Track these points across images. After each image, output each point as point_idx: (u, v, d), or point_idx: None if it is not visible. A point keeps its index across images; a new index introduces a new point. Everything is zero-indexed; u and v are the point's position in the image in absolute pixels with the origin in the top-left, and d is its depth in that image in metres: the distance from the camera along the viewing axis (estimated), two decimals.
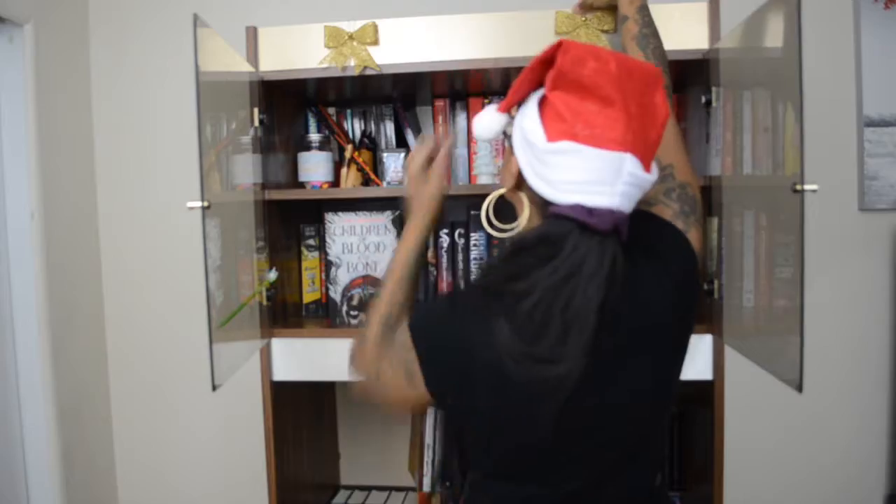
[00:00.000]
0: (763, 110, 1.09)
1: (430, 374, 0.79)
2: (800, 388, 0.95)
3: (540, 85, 0.76)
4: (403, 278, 0.92)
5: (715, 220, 1.33)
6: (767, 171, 1.08)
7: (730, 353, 1.36)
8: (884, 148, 1.70)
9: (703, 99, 1.34)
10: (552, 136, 0.71)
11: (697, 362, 1.38)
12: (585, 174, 0.69)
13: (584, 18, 1.38)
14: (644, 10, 1.11)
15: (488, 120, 0.83)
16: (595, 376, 0.73)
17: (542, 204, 0.75)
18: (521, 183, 0.78)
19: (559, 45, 0.71)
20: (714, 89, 1.31)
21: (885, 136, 1.70)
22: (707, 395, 1.40)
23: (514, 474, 0.82)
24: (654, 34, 1.09)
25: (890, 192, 1.71)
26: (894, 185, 1.70)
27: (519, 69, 1.43)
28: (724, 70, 1.26)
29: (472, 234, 1.60)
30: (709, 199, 1.37)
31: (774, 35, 1.01)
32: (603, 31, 1.38)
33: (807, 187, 0.92)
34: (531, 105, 0.76)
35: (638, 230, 0.77)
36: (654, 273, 0.80)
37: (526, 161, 0.75)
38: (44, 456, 1.74)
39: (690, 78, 1.48)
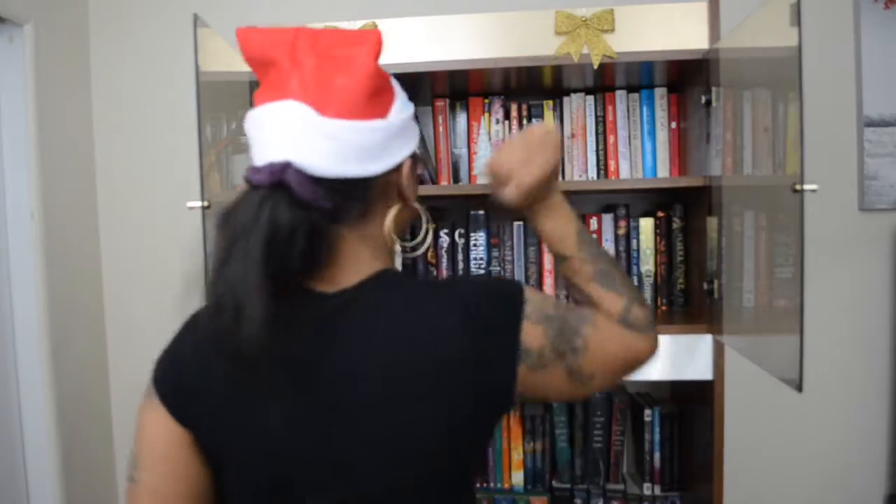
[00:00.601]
0: (763, 110, 1.09)
1: None
2: (800, 388, 0.95)
3: None
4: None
5: (715, 220, 1.33)
6: (767, 171, 1.08)
7: (730, 353, 1.36)
8: (884, 148, 1.70)
9: (703, 99, 1.34)
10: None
11: (697, 362, 1.38)
12: (255, 136, 0.67)
13: (583, 19, 1.38)
14: (586, 246, 0.78)
15: None
16: (319, 402, 0.64)
17: None
18: None
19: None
20: (714, 89, 1.31)
21: (885, 136, 1.70)
22: (707, 395, 1.40)
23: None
24: (610, 262, 0.78)
25: (890, 192, 1.71)
26: (894, 185, 1.71)
27: (519, 69, 1.45)
28: (724, 70, 1.26)
29: (472, 234, 1.60)
30: (709, 199, 1.37)
31: (774, 35, 1.01)
32: (602, 31, 1.38)
33: (807, 187, 0.92)
34: None
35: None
36: (433, 301, 0.67)
37: None
38: (44, 456, 1.74)
39: (690, 78, 1.48)
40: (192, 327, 0.74)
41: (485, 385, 0.66)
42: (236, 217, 0.61)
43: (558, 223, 0.78)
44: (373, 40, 0.67)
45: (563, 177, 1.62)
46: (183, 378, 0.71)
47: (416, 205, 0.75)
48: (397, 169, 0.69)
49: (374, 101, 0.66)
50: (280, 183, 0.61)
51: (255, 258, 0.58)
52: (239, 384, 0.65)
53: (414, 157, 0.72)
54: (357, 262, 0.68)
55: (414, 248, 0.78)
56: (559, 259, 0.79)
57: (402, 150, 0.69)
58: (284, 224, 0.60)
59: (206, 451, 0.69)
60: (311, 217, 0.62)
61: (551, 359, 0.67)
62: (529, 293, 0.69)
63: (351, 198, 0.66)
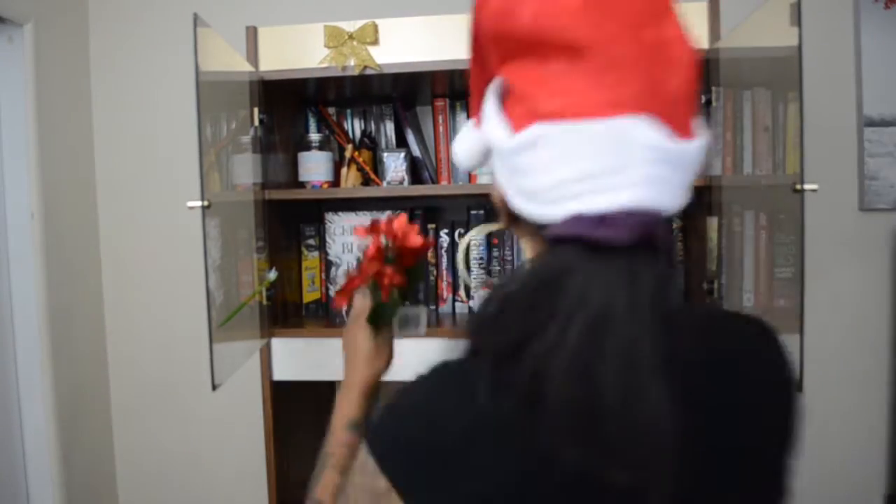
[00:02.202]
0: (763, 110, 1.09)
1: None
2: (800, 388, 0.95)
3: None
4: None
5: (715, 220, 1.33)
6: (767, 171, 1.08)
7: None
8: (884, 148, 1.70)
9: (703, 99, 1.34)
10: (517, 126, 0.47)
11: None
12: (575, 165, 0.45)
13: None
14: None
15: (468, 141, 0.58)
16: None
17: (535, 231, 0.51)
18: (512, 213, 0.52)
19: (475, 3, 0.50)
20: (714, 89, 1.31)
21: (885, 136, 1.70)
22: None
23: None
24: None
25: (890, 192, 1.71)
26: (894, 185, 1.70)
27: None
28: (724, 70, 1.26)
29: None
30: (709, 199, 1.37)
31: (774, 35, 1.01)
32: None
33: (807, 187, 0.92)
34: (490, 101, 0.52)
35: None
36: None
37: (503, 177, 0.51)
38: (44, 456, 1.74)
39: None
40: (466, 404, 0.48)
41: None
42: (587, 304, 0.43)
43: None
44: (668, 7, 0.47)
45: None
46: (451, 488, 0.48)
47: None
48: None
49: (694, 106, 0.49)
50: (648, 239, 0.44)
51: (650, 352, 0.42)
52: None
53: None
54: None
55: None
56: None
57: None
58: (673, 302, 0.44)
59: None
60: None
61: None
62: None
63: None
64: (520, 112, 0.47)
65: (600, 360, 0.42)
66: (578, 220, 0.45)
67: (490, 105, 0.51)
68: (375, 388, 0.77)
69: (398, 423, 0.51)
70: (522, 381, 0.44)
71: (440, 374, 0.51)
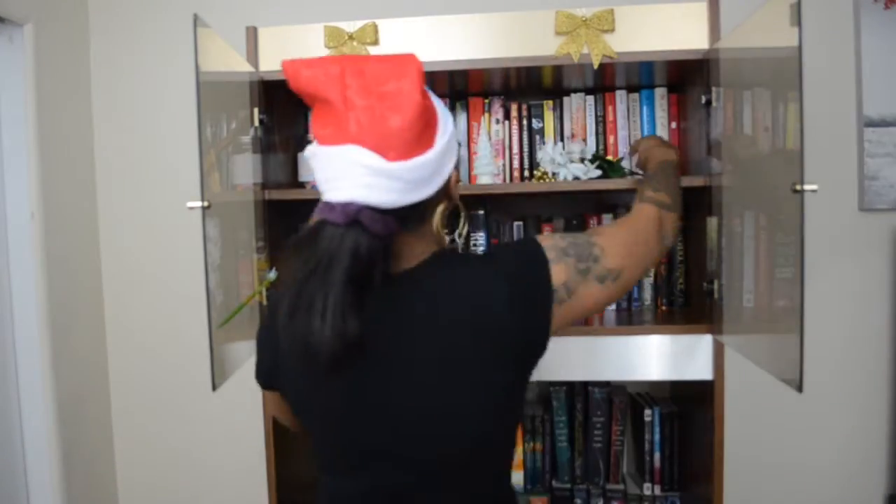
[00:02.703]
0: (763, 110, 1.09)
1: None
2: (800, 388, 0.95)
3: None
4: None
5: (715, 220, 1.33)
6: (767, 171, 1.08)
7: (730, 353, 1.36)
8: (884, 148, 1.70)
9: (703, 99, 1.34)
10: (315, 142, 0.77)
11: (697, 362, 1.39)
12: (324, 173, 0.73)
13: (583, 18, 1.38)
14: (659, 174, 1.18)
15: None
16: (381, 371, 0.76)
17: None
18: None
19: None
20: (714, 89, 1.31)
21: (885, 136, 1.70)
22: (707, 395, 1.40)
23: (326, 466, 0.86)
24: (668, 181, 1.14)
25: (890, 192, 1.71)
26: (894, 185, 1.70)
27: (519, 69, 1.45)
28: (724, 70, 1.26)
29: (472, 234, 1.60)
30: (709, 199, 1.37)
31: (774, 35, 1.01)
32: (602, 31, 1.38)
33: (807, 187, 0.92)
34: (311, 121, 0.81)
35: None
36: (480, 275, 0.80)
37: None
38: (44, 456, 1.74)
39: (690, 78, 1.48)
40: (272, 316, 0.85)
41: (527, 345, 0.80)
42: (317, 247, 0.71)
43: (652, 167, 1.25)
44: (414, 71, 0.74)
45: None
46: (266, 352, 0.89)
47: (458, 201, 0.89)
48: (447, 180, 0.80)
49: (424, 135, 0.74)
50: (355, 221, 0.71)
51: (338, 283, 0.70)
52: (308, 365, 0.75)
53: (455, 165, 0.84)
54: (413, 252, 0.80)
55: (460, 235, 0.90)
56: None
57: (448, 165, 0.79)
58: (364, 254, 0.71)
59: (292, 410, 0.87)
60: (384, 242, 0.73)
61: (578, 281, 0.82)
62: (542, 240, 0.84)
63: (412, 215, 0.76)
64: (314, 134, 0.75)
65: (309, 276, 0.71)
66: (323, 204, 0.73)
67: (311, 123, 0.79)
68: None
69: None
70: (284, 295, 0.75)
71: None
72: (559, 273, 0.81)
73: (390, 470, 0.79)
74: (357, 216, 0.70)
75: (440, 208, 0.81)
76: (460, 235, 0.91)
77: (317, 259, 0.71)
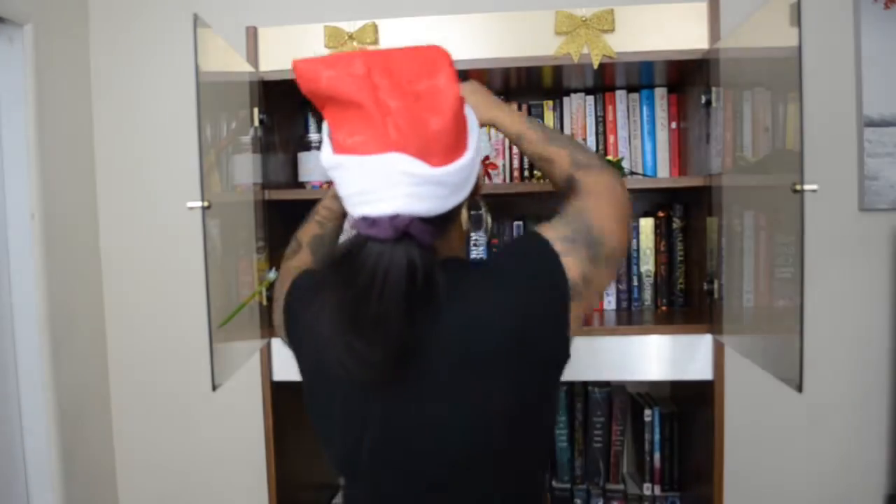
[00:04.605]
0: (763, 110, 1.09)
1: None
2: (800, 388, 0.95)
3: None
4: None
5: (715, 220, 1.33)
6: (767, 172, 1.09)
7: (730, 353, 1.36)
8: (884, 148, 1.70)
9: (703, 99, 1.34)
10: (335, 151, 0.69)
11: (697, 362, 1.38)
12: (359, 185, 0.67)
13: (583, 18, 1.38)
14: (534, 124, 0.98)
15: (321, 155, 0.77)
16: (413, 388, 0.72)
17: None
18: None
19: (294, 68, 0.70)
20: (714, 89, 1.31)
21: (885, 136, 1.70)
22: (707, 395, 1.40)
23: (344, 472, 0.83)
24: (555, 131, 0.99)
25: (890, 192, 1.71)
26: (894, 186, 1.70)
27: (519, 69, 1.44)
28: (724, 70, 1.26)
29: (472, 234, 1.60)
30: (709, 199, 1.37)
31: (774, 35, 1.01)
32: (602, 31, 1.38)
33: (807, 187, 0.92)
34: (323, 129, 0.74)
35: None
36: (484, 286, 0.75)
37: None
38: (44, 456, 1.74)
39: (690, 78, 1.48)
40: (320, 285, 0.78)
41: (547, 354, 0.75)
42: (363, 266, 0.66)
43: (507, 121, 0.97)
44: (446, 65, 0.68)
45: None
46: (296, 306, 0.87)
47: (478, 196, 0.87)
48: (477, 179, 0.78)
49: (461, 135, 0.70)
50: (405, 234, 0.67)
51: (396, 302, 0.66)
52: (351, 378, 0.73)
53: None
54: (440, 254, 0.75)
55: (486, 231, 0.88)
56: (518, 141, 0.96)
57: (478, 163, 0.76)
58: (420, 267, 0.67)
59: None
60: (434, 251, 0.70)
61: (591, 270, 0.76)
62: (545, 231, 0.77)
63: (449, 217, 0.74)
64: (335, 141, 0.69)
65: (351, 309, 0.68)
66: (362, 220, 0.68)
67: (323, 132, 0.74)
68: None
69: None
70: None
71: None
72: (573, 266, 0.74)
73: (402, 480, 0.76)
74: (407, 229, 0.66)
75: (464, 207, 0.79)
76: (486, 231, 0.89)
77: (368, 277, 0.66)
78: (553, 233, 0.77)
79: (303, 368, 0.86)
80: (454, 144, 0.68)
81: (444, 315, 0.71)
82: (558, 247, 0.75)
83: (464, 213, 0.79)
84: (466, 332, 0.71)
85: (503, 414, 0.73)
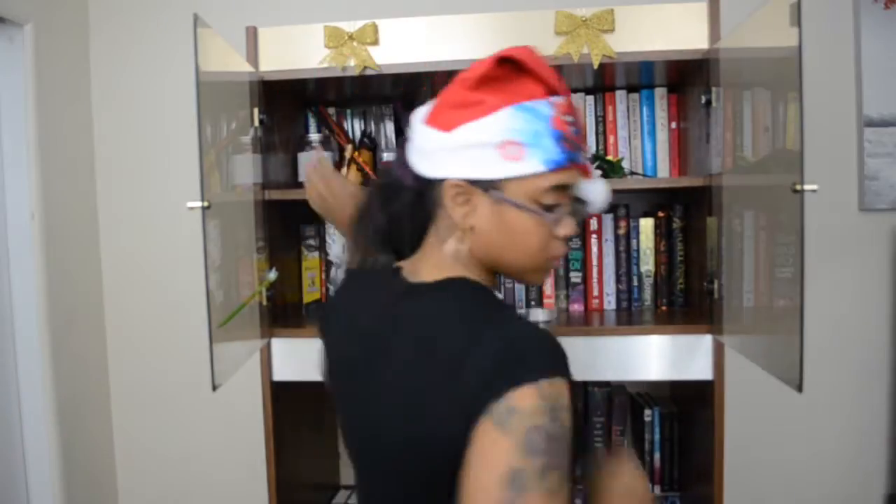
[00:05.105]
0: (763, 110, 1.09)
1: None
2: (800, 388, 0.95)
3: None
4: None
5: (715, 220, 1.33)
6: (767, 172, 1.08)
7: (730, 353, 1.36)
8: (884, 148, 1.70)
9: (703, 99, 1.34)
10: None
11: (697, 362, 1.38)
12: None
13: (583, 18, 1.38)
14: None
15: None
16: (370, 384, 0.73)
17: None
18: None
19: (499, 59, 0.75)
20: (714, 89, 1.31)
21: (885, 136, 1.70)
22: (707, 395, 1.39)
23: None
24: None
25: (890, 192, 1.71)
26: (894, 186, 1.70)
27: None
28: (724, 70, 1.26)
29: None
30: (709, 199, 1.37)
31: (774, 35, 1.01)
32: (602, 31, 1.38)
33: (807, 187, 0.92)
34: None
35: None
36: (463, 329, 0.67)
37: None
38: (44, 456, 1.74)
39: (690, 78, 1.48)
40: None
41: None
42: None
43: None
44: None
45: None
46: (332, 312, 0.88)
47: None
48: None
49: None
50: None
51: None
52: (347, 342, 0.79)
53: None
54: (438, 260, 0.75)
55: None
56: None
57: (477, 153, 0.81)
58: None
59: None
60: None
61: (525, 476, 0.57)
62: (534, 398, 0.59)
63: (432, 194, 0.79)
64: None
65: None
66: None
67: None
68: None
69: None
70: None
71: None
72: (482, 441, 0.60)
73: (380, 481, 0.75)
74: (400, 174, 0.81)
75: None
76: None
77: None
78: (538, 416, 0.58)
79: (330, 357, 0.86)
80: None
81: (416, 322, 0.70)
82: (513, 418, 0.58)
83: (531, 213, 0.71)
84: (420, 353, 0.68)
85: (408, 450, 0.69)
